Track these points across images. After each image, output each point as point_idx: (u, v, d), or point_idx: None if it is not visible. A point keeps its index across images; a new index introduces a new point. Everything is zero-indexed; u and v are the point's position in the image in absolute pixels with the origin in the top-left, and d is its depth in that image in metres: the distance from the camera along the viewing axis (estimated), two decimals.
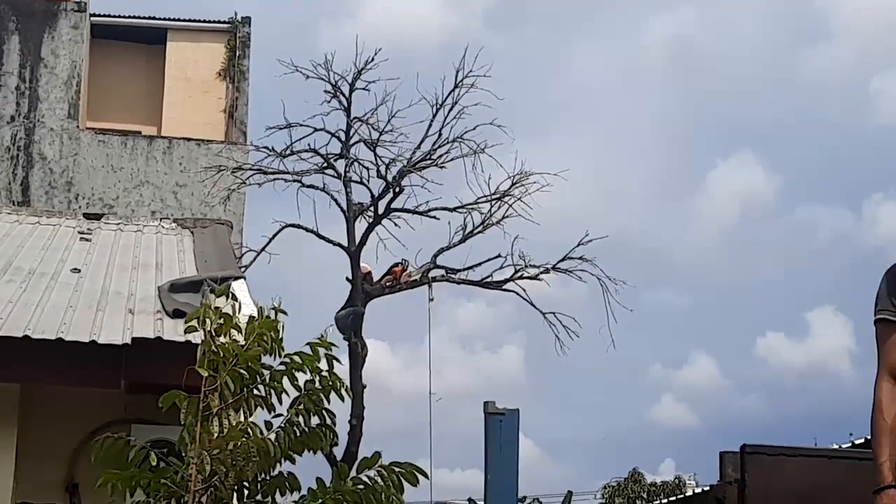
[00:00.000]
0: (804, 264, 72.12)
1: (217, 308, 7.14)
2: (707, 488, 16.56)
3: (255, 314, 7.21)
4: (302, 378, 7.24)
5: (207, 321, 7.06)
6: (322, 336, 7.30)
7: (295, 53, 23.61)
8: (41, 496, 9.64)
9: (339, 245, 23.56)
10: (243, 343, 7.07)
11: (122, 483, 6.96)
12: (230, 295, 7.34)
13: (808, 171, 74.96)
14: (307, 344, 7.26)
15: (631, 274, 24.45)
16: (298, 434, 7.13)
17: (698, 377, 69.79)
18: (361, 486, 7.10)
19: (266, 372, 7.13)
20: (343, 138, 23.78)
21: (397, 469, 7.12)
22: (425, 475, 7.18)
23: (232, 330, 7.12)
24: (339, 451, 21.14)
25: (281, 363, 7.17)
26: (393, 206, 23.76)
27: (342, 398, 7.31)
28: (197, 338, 7.33)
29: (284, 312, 7.24)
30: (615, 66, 75.18)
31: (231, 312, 7.15)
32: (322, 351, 7.24)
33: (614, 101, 73.07)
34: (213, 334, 7.04)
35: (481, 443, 15.27)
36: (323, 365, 7.22)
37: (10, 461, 9.04)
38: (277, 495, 7.17)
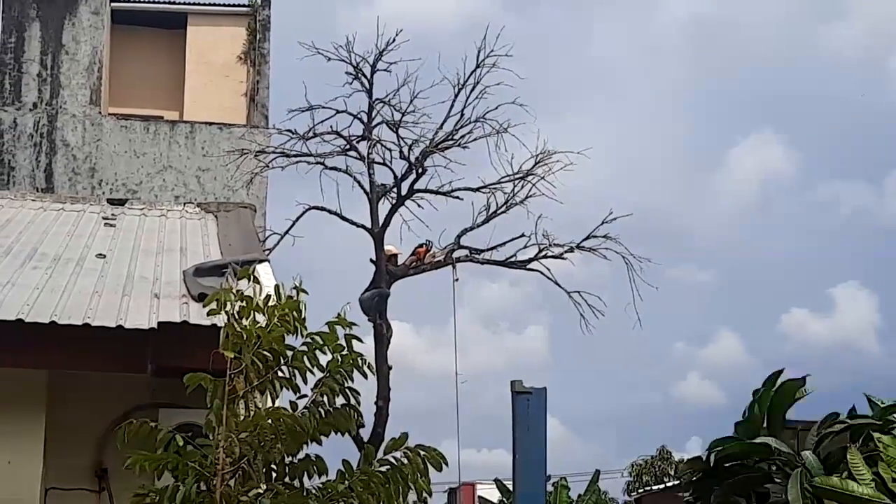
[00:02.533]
0: (827, 240, 72.00)
1: (238, 290, 7.15)
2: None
3: (275, 295, 7.22)
4: (324, 359, 7.25)
5: (229, 303, 7.07)
6: (340, 314, 7.30)
7: (314, 37, 23.53)
8: (70, 481, 9.67)
9: (363, 227, 23.53)
10: (265, 325, 7.08)
11: (151, 465, 6.98)
12: (252, 277, 7.35)
13: (828, 148, 74.82)
14: (326, 323, 7.27)
15: (653, 251, 24.42)
16: (324, 414, 7.14)
17: (723, 354, 69.80)
18: (388, 468, 7.11)
19: (289, 353, 7.14)
20: (365, 120, 23.74)
21: (422, 452, 7.12)
22: (446, 463, 7.20)
23: (254, 312, 7.14)
24: (365, 433, 21.17)
25: (303, 343, 7.18)
26: (416, 186, 23.72)
27: (365, 376, 7.31)
28: (222, 321, 7.34)
29: (305, 291, 7.25)
30: (635, 45, 75.11)
31: (252, 295, 7.16)
32: (341, 330, 7.24)
33: (635, 80, 72.99)
34: (237, 317, 7.05)
35: (507, 422, 15.25)
36: (343, 344, 7.23)
37: (40, 447, 9.07)
38: (305, 477, 7.18)
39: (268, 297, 7.21)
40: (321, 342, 7.19)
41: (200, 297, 9.57)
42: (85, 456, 9.81)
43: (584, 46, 73.15)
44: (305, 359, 7.19)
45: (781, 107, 75.00)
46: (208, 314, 7.23)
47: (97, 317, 8.95)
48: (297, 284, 7.29)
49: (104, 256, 11.26)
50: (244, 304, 7.15)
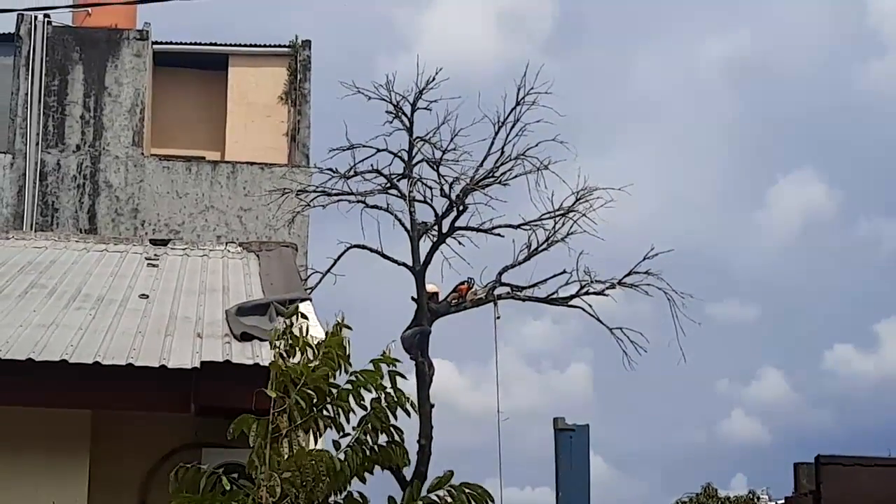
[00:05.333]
0: (869, 276, 71.45)
1: (289, 330, 7.17)
2: (781, 501, 16.39)
3: (321, 333, 7.23)
4: (368, 396, 7.25)
5: (279, 343, 7.10)
6: (385, 352, 7.30)
7: (354, 78, 23.63)
8: None
9: (404, 265, 23.56)
10: (311, 363, 7.08)
11: None
12: (299, 315, 7.36)
13: (868, 186, 74.34)
14: (371, 361, 7.27)
15: (695, 287, 24.15)
16: (367, 453, 7.13)
17: (768, 391, 69.23)
18: None
19: (334, 391, 7.14)
20: (406, 158, 23.79)
21: (467, 490, 7.10)
22: (492, 500, 7.17)
23: (302, 350, 7.15)
24: (408, 472, 21.10)
25: (347, 381, 7.18)
26: (457, 224, 23.74)
27: (408, 413, 7.30)
28: (267, 360, 7.34)
29: (349, 327, 7.24)
30: (676, 84, 75.03)
31: (299, 333, 7.18)
32: (385, 368, 7.24)
33: (676, 118, 72.93)
34: (284, 355, 7.07)
35: (551, 461, 15.20)
36: (387, 382, 7.23)
37: (84, 488, 9.10)
38: None
39: (314, 338, 7.23)
40: (364, 380, 7.19)
41: (243, 337, 9.59)
42: (129, 496, 9.80)
43: (624, 86, 73.16)
44: (350, 397, 7.18)
45: (821, 144, 74.74)
46: (272, 347, 7.24)
47: (140, 357, 8.98)
48: (340, 320, 7.30)
49: (147, 297, 11.30)
50: (292, 342, 7.17)
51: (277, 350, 7.14)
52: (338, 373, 7.18)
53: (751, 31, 77.16)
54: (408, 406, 7.32)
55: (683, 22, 76.30)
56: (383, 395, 7.23)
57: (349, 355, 7.23)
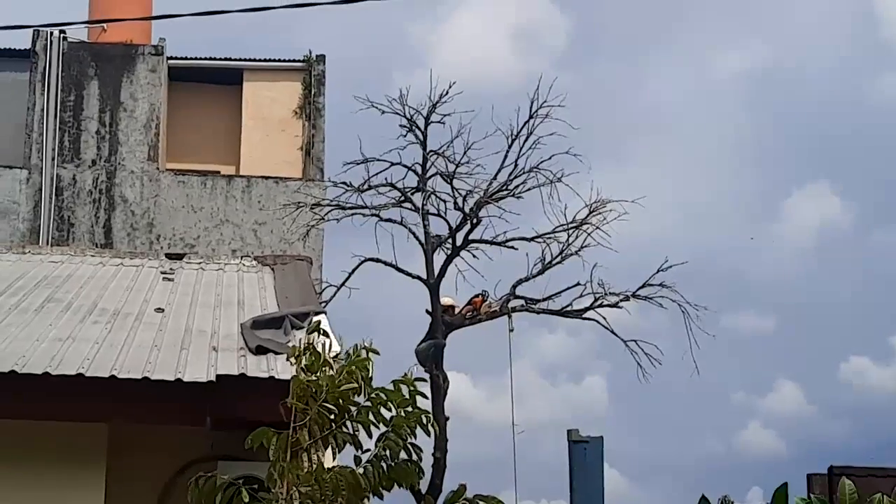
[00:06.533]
0: (885, 288, 71.12)
1: (311, 345, 7.21)
2: None
3: (344, 351, 7.26)
4: (388, 414, 7.27)
5: (302, 358, 7.13)
6: (407, 374, 7.35)
7: (368, 92, 23.64)
8: None
9: (419, 278, 23.57)
10: (334, 378, 7.11)
11: None
12: (321, 331, 7.40)
13: (884, 197, 74.10)
14: (392, 382, 7.30)
15: (710, 299, 24.07)
16: (386, 469, 7.16)
17: (784, 403, 68.95)
18: None
19: (353, 408, 7.17)
20: (419, 171, 23.82)
21: (481, 502, 7.12)
22: None
23: (323, 366, 7.18)
24: (423, 484, 21.07)
25: (367, 399, 7.21)
26: (471, 237, 23.74)
27: (428, 433, 7.33)
28: (282, 373, 7.38)
29: (377, 352, 7.28)
30: (688, 97, 74.87)
31: (321, 349, 7.21)
32: (406, 388, 7.28)
33: (688, 131, 72.78)
34: (306, 370, 7.10)
35: (566, 473, 15.19)
36: (408, 399, 7.26)
37: (100, 500, 9.14)
38: None
39: (336, 355, 7.27)
40: (385, 398, 7.22)
41: (258, 350, 9.63)
42: None
43: (638, 98, 73.06)
44: (370, 414, 7.22)
45: (836, 156, 74.51)
46: (293, 363, 7.28)
47: (156, 370, 9.03)
48: (369, 345, 7.33)
49: (163, 310, 11.36)
50: (314, 357, 7.20)
51: (299, 364, 7.18)
52: (360, 394, 7.22)
53: (764, 43, 77.03)
54: (429, 426, 7.35)
55: (697, 34, 76.19)
56: (404, 413, 7.27)
57: (371, 378, 7.26)
